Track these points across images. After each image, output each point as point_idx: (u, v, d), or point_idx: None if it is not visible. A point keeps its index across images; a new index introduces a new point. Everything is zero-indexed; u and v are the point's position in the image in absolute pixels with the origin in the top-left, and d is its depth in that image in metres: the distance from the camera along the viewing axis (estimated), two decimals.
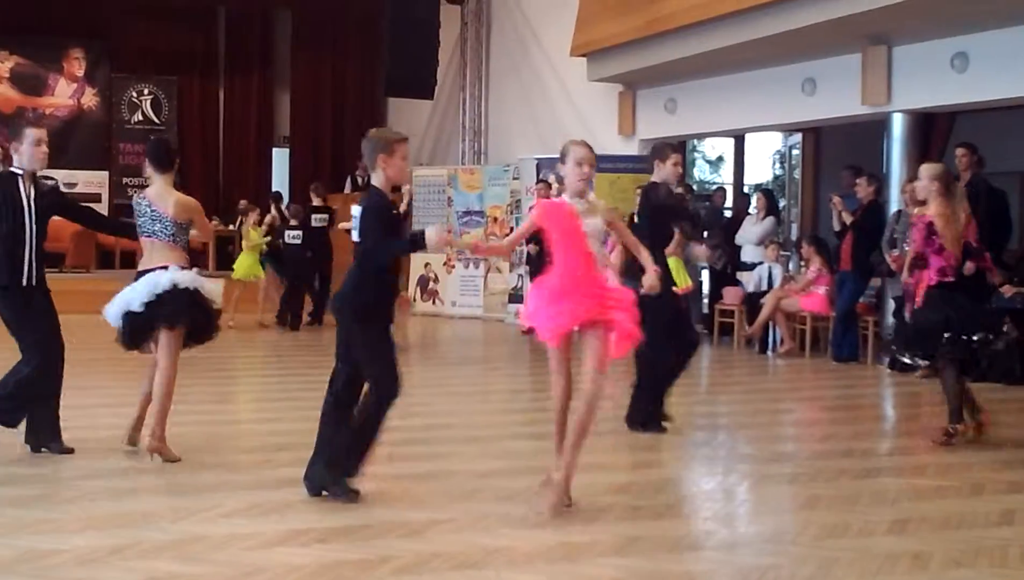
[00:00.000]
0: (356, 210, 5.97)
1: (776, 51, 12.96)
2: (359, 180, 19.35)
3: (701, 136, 15.73)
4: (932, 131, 12.71)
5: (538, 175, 15.81)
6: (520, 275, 16.44)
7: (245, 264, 15.44)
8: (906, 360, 7.95)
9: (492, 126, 19.47)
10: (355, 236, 5.98)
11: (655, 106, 15.83)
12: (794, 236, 16.28)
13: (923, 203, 7.70)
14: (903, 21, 11.30)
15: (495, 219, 17.45)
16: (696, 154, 27.89)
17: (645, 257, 6.27)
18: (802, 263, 13.86)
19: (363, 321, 5.93)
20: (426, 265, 17.32)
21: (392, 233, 6.04)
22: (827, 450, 7.62)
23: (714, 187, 21.62)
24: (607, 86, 16.27)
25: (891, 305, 11.98)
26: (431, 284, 17.73)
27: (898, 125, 12.42)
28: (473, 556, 5.04)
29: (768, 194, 15.25)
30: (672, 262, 13.69)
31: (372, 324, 5.95)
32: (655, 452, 7.76)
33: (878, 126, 12.80)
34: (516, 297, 16.61)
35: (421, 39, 17.72)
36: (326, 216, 15.53)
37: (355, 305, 5.93)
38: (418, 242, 5.95)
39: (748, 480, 6.74)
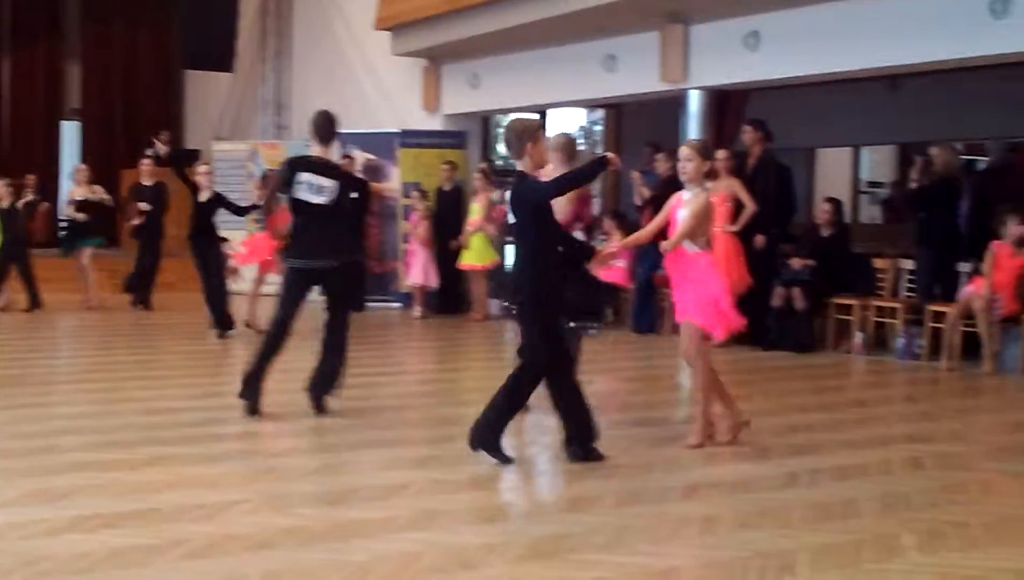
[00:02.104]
0: (508, 195, 6.45)
1: (577, 27, 13.08)
2: (158, 154, 18.73)
3: (505, 111, 15.75)
4: (727, 108, 13.06)
5: (342, 149, 15.59)
6: None
7: None
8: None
9: (295, 100, 19.12)
10: (510, 219, 6.40)
11: (459, 81, 15.82)
12: (596, 211, 16.51)
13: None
14: (698, 0, 11.55)
15: None
16: (501, 130, 28.00)
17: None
18: (603, 237, 14.07)
19: (528, 305, 6.34)
20: (228, 241, 16.83)
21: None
22: (624, 420, 7.76)
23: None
24: (412, 60, 16.17)
25: None
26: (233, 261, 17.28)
27: (694, 102, 12.68)
28: (267, 536, 4.94)
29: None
30: (477, 239, 13.88)
31: (540, 302, 6.30)
32: (457, 426, 7.73)
33: (676, 102, 13.08)
34: None
35: (219, 9, 17.25)
36: None
37: (522, 288, 6.35)
38: (603, 159, 6.53)
39: (547, 452, 6.81)
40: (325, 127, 7.75)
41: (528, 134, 6.38)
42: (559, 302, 6.50)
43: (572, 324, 7.17)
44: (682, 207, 6.76)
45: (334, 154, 7.93)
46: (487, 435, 6.34)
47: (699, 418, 6.88)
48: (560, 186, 6.42)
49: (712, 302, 6.72)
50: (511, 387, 6.40)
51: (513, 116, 6.67)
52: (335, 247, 7.68)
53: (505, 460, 6.31)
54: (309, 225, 7.66)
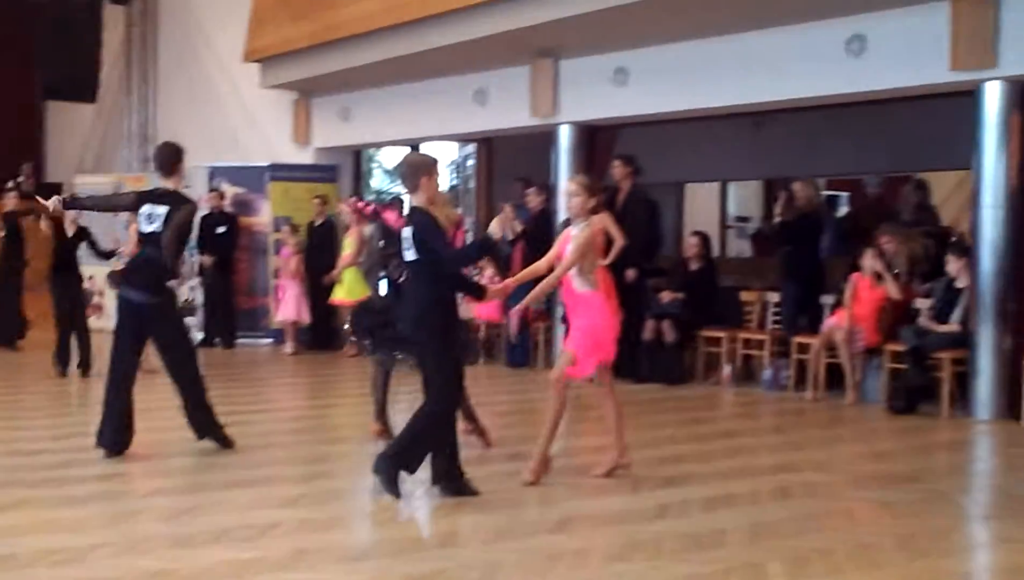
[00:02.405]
0: (407, 231, 6.36)
1: (449, 62, 13.14)
2: (21, 188, 18.18)
3: (376, 145, 15.74)
4: (596, 143, 13.21)
5: (211, 183, 15.37)
6: (191, 287, 15.92)
7: None
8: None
9: (161, 132, 18.71)
10: (410, 255, 6.36)
11: (330, 114, 15.73)
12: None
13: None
14: (567, 36, 11.69)
15: None
16: (373, 164, 27.92)
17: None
18: (476, 271, 14.08)
19: (429, 340, 6.32)
20: (90, 278, 16.41)
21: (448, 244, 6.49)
22: (497, 454, 7.75)
23: (390, 197, 21.65)
24: (281, 93, 16.04)
25: (561, 311, 12.34)
26: (96, 297, 16.86)
27: (565, 137, 12.81)
28: None
29: None
30: (349, 273, 13.76)
31: (436, 342, 6.30)
32: (327, 463, 7.69)
33: (547, 137, 13.19)
34: (187, 310, 16.08)
35: (82, 39, 16.88)
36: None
37: (422, 323, 6.34)
38: (488, 241, 6.46)
39: (419, 487, 6.76)
40: (164, 157, 7.72)
41: (423, 169, 6.44)
42: (457, 336, 6.58)
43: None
44: (571, 242, 6.80)
45: (182, 185, 7.81)
46: (388, 465, 6.25)
47: (615, 447, 6.99)
48: (457, 263, 6.60)
49: (594, 343, 6.76)
50: (424, 427, 6.35)
51: (386, 149, 6.68)
52: (152, 281, 7.54)
53: (396, 495, 6.24)
54: (140, 254, 7.71)
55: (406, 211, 7.78)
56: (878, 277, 10.33)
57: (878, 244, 10.60)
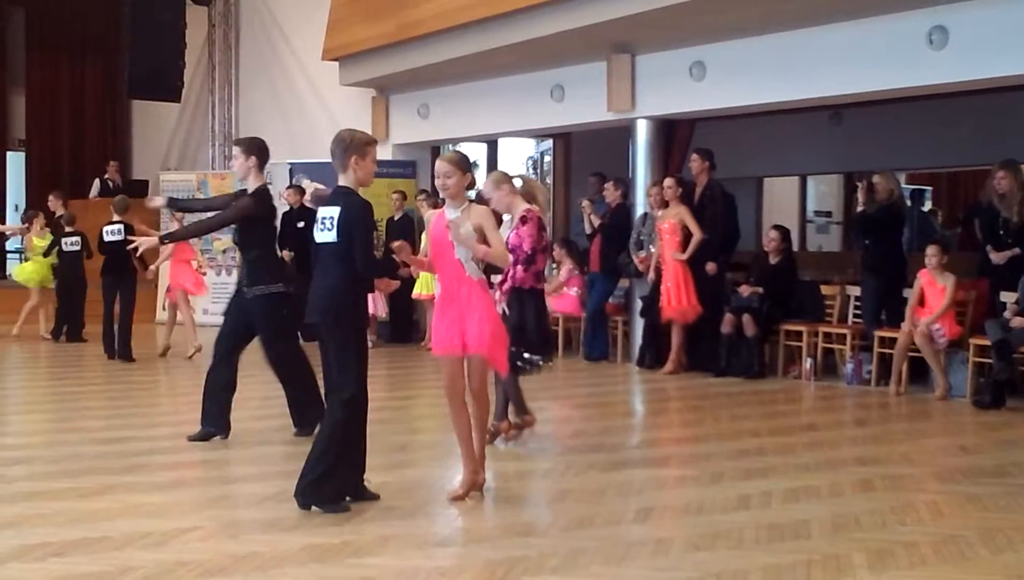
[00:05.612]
0: (329, 211, 5.89)
1: (525, 58, 13.18)
2: (109, 184, 18.60)
3: (454, 141, 15.78)
4: (674, 137, 13.17)
5: (291, 180, 15.58)
6: None
7: (39, 272, 14.90)
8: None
9: (243, 130, 19.04)
10: (328, 237, 5.89)
11: (408, 111, 15.85)
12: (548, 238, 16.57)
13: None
14: (644, 30, 11.68)
15: None
16: None
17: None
18: (554, 265, 14.13)
19: (340, 326, 5.89)
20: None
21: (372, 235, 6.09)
22: (578, 445, 7.79)
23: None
24: (360, 91, 16.20)
25: (639, 305, 12.37)
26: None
27: (642, 131, 12.81)
28: (220, 563, 4.91)
29: None
30: None
31: (348, 329, 5.90)
32: (409, 452, 7.77)
33: (624, 132, 13.19)
34: None
35: (165, 40, 17.20)
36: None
37: (335, 309, 5.89)
38: (392, 262, 6.31)
39: (500, 477, 6.81)
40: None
41: (355, 147, 5.91)
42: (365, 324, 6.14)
43: None
44: (453, 228, 5.99)
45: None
46: (313, 490, 5.85)
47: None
48: (369, 270, 6.03)
49: (498, 334, 6.17)
50: (339, 430, 5.88)
51: (346, 128, 6.06)
52: None
53: (345, 509, 5.84)
54: None
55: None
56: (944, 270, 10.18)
57: (995, 181, 10.19)
